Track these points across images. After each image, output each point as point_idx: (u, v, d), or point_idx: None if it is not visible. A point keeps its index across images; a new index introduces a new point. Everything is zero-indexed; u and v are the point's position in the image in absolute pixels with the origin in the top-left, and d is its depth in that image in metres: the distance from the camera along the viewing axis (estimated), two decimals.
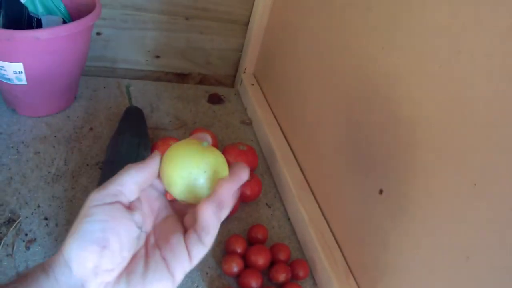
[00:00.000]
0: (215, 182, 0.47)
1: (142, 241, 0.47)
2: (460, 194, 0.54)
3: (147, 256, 0.46)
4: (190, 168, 0.47)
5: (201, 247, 0.45)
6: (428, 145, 0.60)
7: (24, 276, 0.41)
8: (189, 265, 0.45)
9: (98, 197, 0.44)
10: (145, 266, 0.45)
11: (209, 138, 0.52)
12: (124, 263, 0.44)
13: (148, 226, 0.49)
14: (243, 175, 0.48)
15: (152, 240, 0.48)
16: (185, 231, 0.48)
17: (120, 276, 0.44)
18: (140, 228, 0.46)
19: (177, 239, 0.46)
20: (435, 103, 0.59)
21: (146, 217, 0.48)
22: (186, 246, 0.45)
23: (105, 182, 0.45)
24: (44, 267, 0.42)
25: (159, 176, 0.49)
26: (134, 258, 0.45)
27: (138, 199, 0.48)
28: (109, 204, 0.44)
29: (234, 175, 0.47)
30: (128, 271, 0.44)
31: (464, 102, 0.54)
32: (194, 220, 0.47)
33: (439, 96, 0.58)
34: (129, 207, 0.46)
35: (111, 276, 0.43)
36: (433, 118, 0.59)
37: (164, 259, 0.45)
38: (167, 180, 0.48)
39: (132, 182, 0.46)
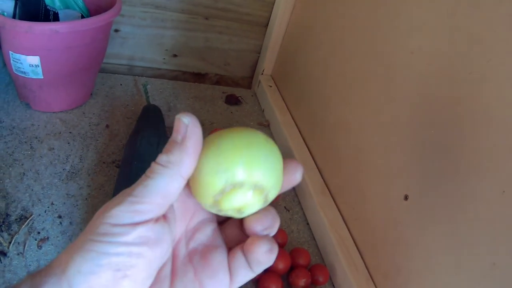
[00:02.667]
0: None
1: (168, 253, 0.36)
2: (488, 201, 0.53)
3: (174, 275, 0.37)
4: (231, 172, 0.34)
5: (249, 274, 0.37)
6: (456, 151, 0.58)
7: None
8: None
9: (123, 214, 0.32)
10: None
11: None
12: None
13: (178, 231, 0.38)
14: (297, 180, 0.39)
15: (182, 251, 0.38)
16: (227, 242, 0.39)
17: None
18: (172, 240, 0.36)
19: (220, 259, 0.37)
20: (464, 109, 0.57)
21: (177, 220, 0.38)
22: (230, 269, 0.37)
23: (136, 188, 0.33)
24: (32, 286, 0.31)
25: None
26: (157, 278, 0.35)
27: None
28: (139, 224, 0.32)
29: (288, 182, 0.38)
30: None
31: (494, 109, 0.53)
32: (237, 231, 0.39)
33: (468, 102, 0.57)
34: (164, 217, 0.35)
35: None
36: (461, 124, 0.57)
37: (198, 281, 0.36)
38: (198, 187, 0.36)
39: (173, 187, 0.34)
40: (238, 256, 0.36)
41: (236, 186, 0.34)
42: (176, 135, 0.34)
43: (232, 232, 0.39)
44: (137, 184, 0.33)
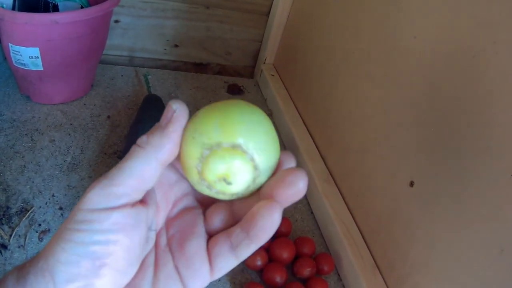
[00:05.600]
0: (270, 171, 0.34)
1: (151, 243, 0.36)
2: (496, 186, 0.52)
3: (157, 265, 0.36)
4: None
5: (231, 261, 0.35)
6: (462, 135, 0.57)
7: None
8: (210, 279, 0.35)
9: (98, 198, 0.32)
10: (154, 280, 0.35)
11: None
12: (129, 278, 0.34)
13: (160, 221, 0.38)
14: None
15: (163, 240, 0.37)
16: (208, 231, 0.37)
17: None
18: (150, 229, 0.36)
19: (196, 246, 0.35)
20: (470, 93, 0.56)
21: (159, 210, 0.37)
22: (209, 257, 0.35)
23: (112, 171, 0.33)
24: (18, 277, 0.32)
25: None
26: (141, 267, 0.35)
27: None
28: (115, 209, 0.32)
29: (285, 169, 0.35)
30: (132, 286, 0.34)
31: (499, 92, 0.52)
32: (222, 217, 0.37)
33: (472, 86, 0.56)
34: (142, 201, 0.34)
35: None
36: (466, 108, 0.56)
37: (177, 269, 0.35)
38: (183, 163, 0.35)
39: (148, 170, 0.33)
40: (220, 241, 0.35)
41: (213, 148, 0.32)
42: (163, 120, 0.34)
43: (214, 217, 0.37)
44: (114, 167, 0.33)
